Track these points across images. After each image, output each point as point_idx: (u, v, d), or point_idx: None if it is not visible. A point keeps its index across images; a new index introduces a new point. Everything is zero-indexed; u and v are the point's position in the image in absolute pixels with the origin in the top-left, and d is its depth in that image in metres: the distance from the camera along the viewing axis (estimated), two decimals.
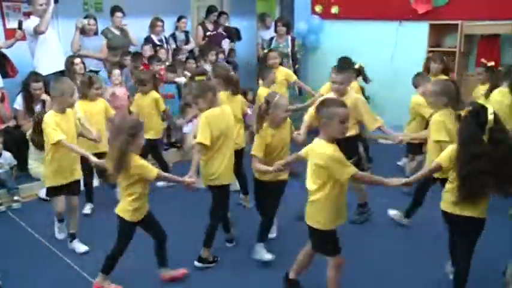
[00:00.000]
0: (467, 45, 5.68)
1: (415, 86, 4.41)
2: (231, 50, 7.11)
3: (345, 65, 4.22)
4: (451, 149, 2.55)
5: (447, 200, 2.59)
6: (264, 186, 3.22)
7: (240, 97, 4.01)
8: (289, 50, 6.34)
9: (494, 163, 2.38)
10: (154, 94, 4.60)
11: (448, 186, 2.61)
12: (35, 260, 3.38)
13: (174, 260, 3.12)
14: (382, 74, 6.09)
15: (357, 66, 5.34)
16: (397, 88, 5.84)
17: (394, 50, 6.26)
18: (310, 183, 2.56)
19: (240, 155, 3.82)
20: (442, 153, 2.62)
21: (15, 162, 4.55)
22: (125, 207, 2.81)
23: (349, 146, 3.16)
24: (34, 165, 4.62)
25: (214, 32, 6.90)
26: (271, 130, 3.06)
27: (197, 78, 3.96)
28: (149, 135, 4.42)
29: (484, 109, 2.46)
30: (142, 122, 2.93)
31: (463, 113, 2.50)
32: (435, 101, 3.23)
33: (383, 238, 3.64)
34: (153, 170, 2.77)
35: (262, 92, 4.35)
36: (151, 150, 4.60)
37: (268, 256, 3.22)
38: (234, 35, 7.22)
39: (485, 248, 3.14)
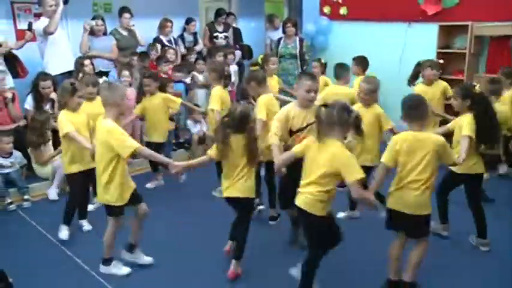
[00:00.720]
0: (477, 46, 5.63)
1: (495, 93, 4.21)
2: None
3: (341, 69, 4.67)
4: (470, 122, 3.13)
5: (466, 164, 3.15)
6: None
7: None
8: (298, 51, 6.33)
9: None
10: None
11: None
12: (45, 258, 3.40)
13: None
14: (391, 76, 6.07)
15: (322, 62, 5.50)
16: (405, 90, 5.79)
17: (403, 52, 6.23)
18: (422, 173, 2.64)
19: None
20: (466, 128, 3.11)
21: (25, 161, 4.59)
22: (252, 187, 3.02)
23: None
24: (36, 165, 4.67)
25: (231, 44, 6.95)
26: None
27: (250, 68, 4.27)
28: None
29: None
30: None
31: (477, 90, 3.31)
32: (370, 97, 3.57)
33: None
34: None
35: (346, 91, 4.43)
36: None
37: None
38: (246, 52, 7.23)
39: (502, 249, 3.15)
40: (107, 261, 3.16)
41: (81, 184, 3.62)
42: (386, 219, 2.81)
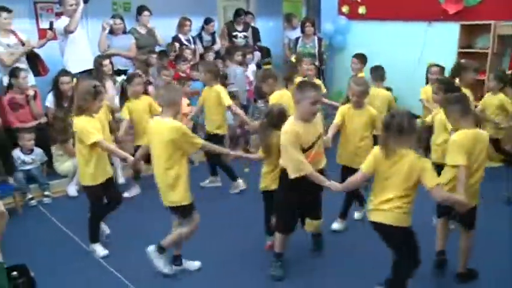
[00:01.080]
0: (500, 46, 5.52)
1: None
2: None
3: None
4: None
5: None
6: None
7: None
8: (316, 50, 6.29)
9: None
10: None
11: None
12: (64, 253, 3.45)
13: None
14: (410, 76, 5.99)
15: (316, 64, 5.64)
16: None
17: (423, 52, 6.14)
18: (478, 168, 2.74)
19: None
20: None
21: (46, 158, 4.66)
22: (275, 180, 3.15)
23: None
24: (57, 162, 4.75)
25: (250, 44, 6.98)
26: None
27: (264, 67, 4.35)
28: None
29: None
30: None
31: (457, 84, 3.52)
32: (362, 99, 3.51)
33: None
34: None
35: (383, 93, 4.42)
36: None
37: None
38: (265, 54, 7.25)
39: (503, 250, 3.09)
40: (162, 250, 3.07)
41: (102, 196, 3.37)
42: (439, 208, 2.98)
